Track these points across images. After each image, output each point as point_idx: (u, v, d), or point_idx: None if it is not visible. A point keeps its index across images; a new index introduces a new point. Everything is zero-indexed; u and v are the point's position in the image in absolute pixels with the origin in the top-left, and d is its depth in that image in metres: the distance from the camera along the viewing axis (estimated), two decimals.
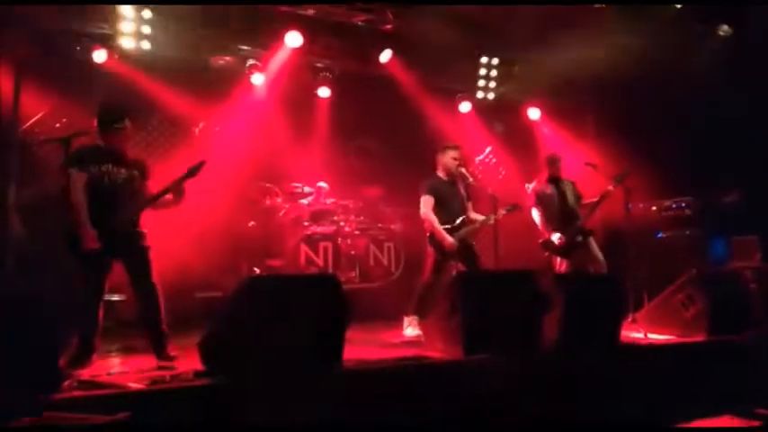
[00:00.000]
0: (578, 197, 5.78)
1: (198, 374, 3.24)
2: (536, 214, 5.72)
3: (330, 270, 6.56)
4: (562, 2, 6.18)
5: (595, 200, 5.52)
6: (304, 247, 6.62)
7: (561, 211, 5.63)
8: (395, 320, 5.33)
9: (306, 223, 6.80)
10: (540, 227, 5.70)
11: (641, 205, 6.61)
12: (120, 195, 3.87)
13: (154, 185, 4.05)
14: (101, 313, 3.78)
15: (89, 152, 3.89)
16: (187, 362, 3.66)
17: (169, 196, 3.93)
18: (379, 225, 7.23)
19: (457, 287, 3.91)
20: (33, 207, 5.31)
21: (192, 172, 3.87)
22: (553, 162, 5.81)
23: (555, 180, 5.79)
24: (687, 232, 6.49)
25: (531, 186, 5.83)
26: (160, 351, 3.80)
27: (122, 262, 3.88)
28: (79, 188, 3.75)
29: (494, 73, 7.58)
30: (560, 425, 3.61)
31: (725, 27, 6.23)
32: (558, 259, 5.59)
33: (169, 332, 3.90)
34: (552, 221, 5.62)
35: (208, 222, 6.14)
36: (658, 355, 4.30)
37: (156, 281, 3.88)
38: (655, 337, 4.66)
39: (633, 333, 4.76)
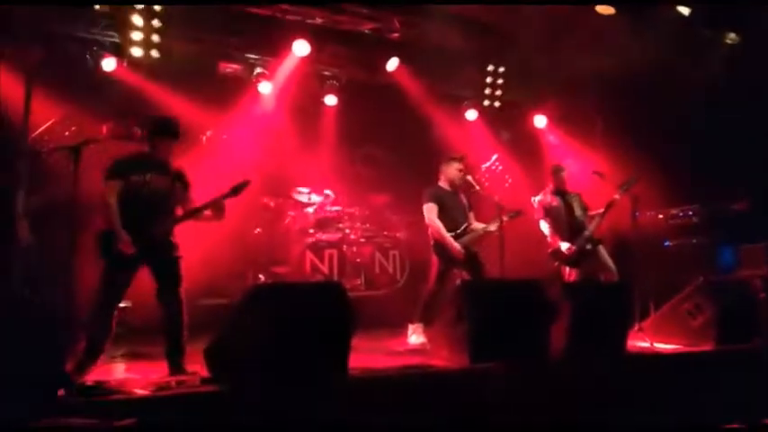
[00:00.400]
0: (585, 209, 5.75)
1: (204, 381, 3.26)
2: (544, 226, 5.70)
3: (335, 277, 6.57)
4: (567, 2, 6.18)
5: (602, 210, 5.50)
6: (309, 255, 6.64)
7: (569, 223, 5.62)
8: (400, 328, 5.32)
9: (311, 231, 6.82)
10: (549, 237, 5.68)
11: (648, 213, 6.57)
12: (160, 204, 3.91)
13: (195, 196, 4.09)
14: (114, 320, 3.79)
15: (131, 161, 3.97)
16: (193, 368, 3.65)
17: (209, 212, 3.99)
18: (385, 233, 7.24)
19: (462, 295, 3.91)
20: (42, 215, 5.36)
21: (236, 190, 3.92)
22: (557, 173, 5.80)
23: (561, 192, 5.78)
24: (694, 240, 6.45)
25: (537, 199, 5.81)
26: (176, 363, 3.75)
27: (152, 270, 3.89)
28: (113, 196, 3.81)
29: (500, 80, 7.59)
30: None
31: (732, 35, 6.21)
32: (568, 269, 5.57)
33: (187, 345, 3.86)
34: (560, 233, 5.61)
35: (213, 229, 6.15)
36: (665, 364, 4.28)
37: (183, 293, 3.89)
38: (661, 346, 4.63)
39: (639, 342, 4.73)
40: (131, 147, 4.52)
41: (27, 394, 2.71)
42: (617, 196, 5.36)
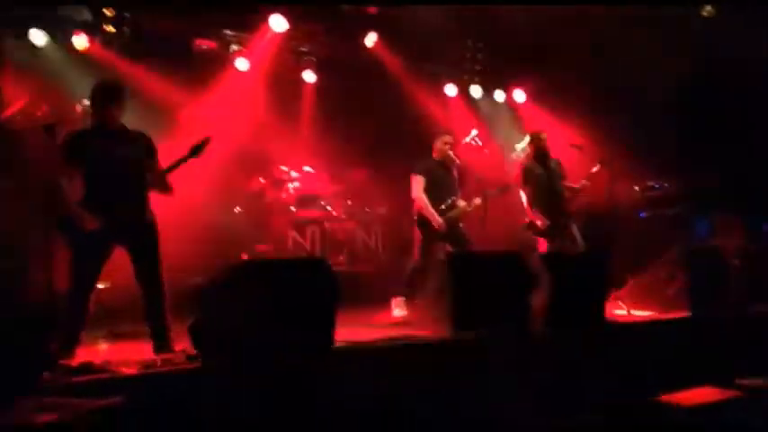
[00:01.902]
0: (562, 176, 5.76)
1: (190, 358, 3.26)
2: (522, 194, 5.69)
3: (318, 254, 6.58)
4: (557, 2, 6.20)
5: (576, 186, 5.55)
6: (291, 232, 6.64)
7: (549, 191, 5.60)
8: (383, 302, 5.36)
9: (293, 208, 6.81)
10: (525, 206, 5.68)
11: (624, 185, 6.66)
12: (123, 177, 3.70)
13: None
14: (89, 302, 3.69)
15: (84, 137, 3.75)
16: (178, 346, 3.64)
17: (152, 182, 3.80)
18: (366, 209, 7.26)
19: (446, 267, 3.95)
20: (15, 197, 5.25)
21: (196, 150, 3.73)
22: (538, 138, 5.75)
23: (543, 158, 5.73)
24: (670, 212, 6.58)
25: (517, 159, 5.79)
26: (162, 342, 3.69)
27: (127, 248, 3.75)
28: (68, 176, 3.65)
29: (480, 55, 7.58)
30: (546, 402, 3.68)
31: (708, 7, 6.24)
32: (540, 240, 5.63)
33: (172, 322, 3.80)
34: (539, 201, 5.60)
35: (194, 209, 6.11)
36: (641, 331, 4.40)
37: (162, 272, 3.78)
38: (638, 313, 4.75)
39: (616, 310, 4.85)
40: None
41: (11, 377, 2.69)
42: (585, 182, 5.44)
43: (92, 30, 6.05)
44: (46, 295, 3.42)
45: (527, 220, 5.63)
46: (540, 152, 5.74)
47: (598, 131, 6.74)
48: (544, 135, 5.81)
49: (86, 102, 5.33)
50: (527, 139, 5.91)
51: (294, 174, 7.00)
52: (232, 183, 6.67)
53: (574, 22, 6.41)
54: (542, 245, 5.57)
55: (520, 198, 5.73)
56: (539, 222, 5.55)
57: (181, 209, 5.69)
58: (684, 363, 4.08)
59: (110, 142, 3.73)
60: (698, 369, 4.06)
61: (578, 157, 5.83)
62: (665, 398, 3.61)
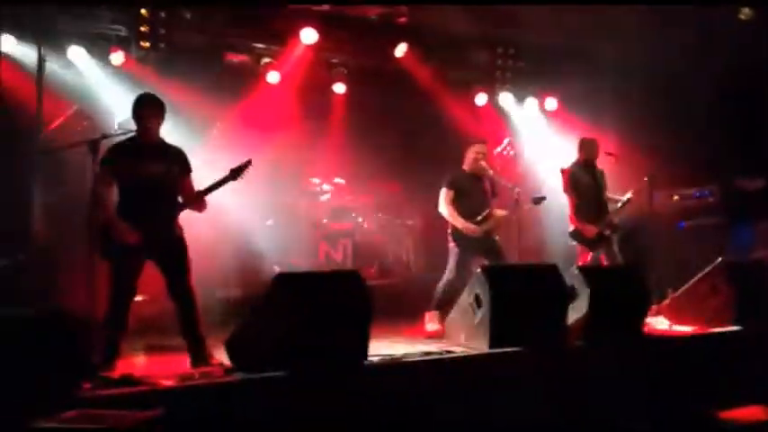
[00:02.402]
0: (605, 187, 5.62)
1: (227, 371, 3.27)
2: (567, 200, 5.55)
3: (349, 266, 6.57)
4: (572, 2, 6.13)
5: (622, 198, 5.43)
6: (323, 245, 6.64)
7: (596, 200, 5.48)
8: (415, 316, 5.32)
9: (324, 221, 6.82)
10: (570, 214, 5.53)
11: (663, 194, 6.52)
12: (156, 192, 3.77)
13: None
14: (128, 314, 3.77)
15: (121, 151, 3.82)
16: (214, 359, 3.69)
17: (186, 200, 3.88)
18: (398, 221, 7.23)
19: (482, 281, 3.89)
20: (56, 209, 5.38)
21: (236, 172, 3.81)
22: (589, 146, 5.61)
23: (590, 166, 5.59)
24: (710, 221, 6.41)
25: (564, 168, 5.62)
26: (198, 355, 3.73)
27: (158, 263, 3.81)
28: (103, 186, 3.73)
29: (510, 63, 7.52)
30: (586, 418, 3.59)
31: (746, 10, 6.09)
32: (581, 251, 5.52)
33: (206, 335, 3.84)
34: (585, 210, 5.46)
35: (226, 222, 6.17)
36: (684, 346, 4.27)
37: (193, 283, 3.83)
38: (680, 328, 4.63)
39: (657, 324, 4.72)
40: None
41: (53, 388, 2.72)
42: (631, 195, 5.32)
43: (127, 46, 6.19)
44: (87, 307, 3.49)
45: (571, 228, 5.51)
46: (588, 160, 5.60)
47: (633, 139, 6.61)
48: (595, 142, 5.67)
49: (123, 117, 5.50)
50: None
51: (326, 186, 7.02)
52: (264, 196, 6.71)
53: (606, 27, 6.32)
54: (582, 257, 5.47)
55: (564, 205, 5.59)
56: (587, 231, 5.43)
57: (213, 222, 5.78)
58: (729, 379, 3.94)
59: (145, 157, 3.80)
60: (743, 386, 3.92)
61: (612, 166, 5.71)
62: (721, 414, 3.50)
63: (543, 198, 5.24)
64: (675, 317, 4.74)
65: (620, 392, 3.75)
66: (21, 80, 5.62)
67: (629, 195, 5.42)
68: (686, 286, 4.84)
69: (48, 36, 5.78)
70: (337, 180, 7.05)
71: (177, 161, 3.93)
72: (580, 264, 5.41)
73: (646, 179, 5.29)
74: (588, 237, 5.43)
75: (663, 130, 6.60)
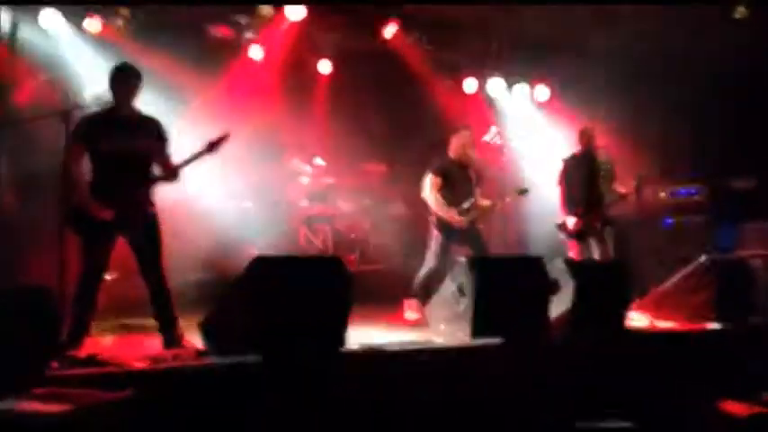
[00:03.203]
0: (610, 178, 5.52)
1: (200, 354, 3.19)
2: (558, 191, 5.50)
3: (329, 252, 6.47)
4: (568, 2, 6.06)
5: (624, 192, 5.40)
6: (303, 228, 6.53)
7: (587, 192, 5.41)
8: (395, 303, 5.27)
9: (304, 203, 6.69)
10: (560, 205, 5.50)
11: (650, 189, 6.51)
12: (130, 166, 3.64)
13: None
14: (98, 293, 3.65)
15: (96, 122, 3.69)
16: (187, 341, 3.60)
17: (161, 172, 3.75)
18: (380, 206, 7.14)
19: (467, 270, 3.83)
20: (24, 183, 5.19)
21: (213, 145, 3.69)
22: (586, 134, 5.53)
23: (589, 157, 5.53)
24: (696, 219, 6.44)
25: (564, 158, 5.57)
26: (170, 336, 3.64)
27: (129, 239, 3.69)
28: (74, 159, 3.59)
29: (502, 50, 7.42)
30: (566, 410, 3.57)
31: (741, 9, 6.08)
32: (571, 243, 5.48)
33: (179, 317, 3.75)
34: (576, 201, 5.42)
35: (201, 201, 6.02)
36: (665, 341, 4.28)
37: (165, 265, 3.72)
38: (661, 323, 4.64)
39: (639, 320, 4.72)
40: None
41: (19, 365, 2.62)
42: (624, 191, 5.30)
43: (105, 13, 5.94)
44: (56, 284, 3.36)
45: (560, 220, 5.48)
46: (586, 149, 5.52)
47: (625, 132, 6.58)
48: (592, 131, 5.58)
49: (98, 88, 5.29)
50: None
51: (306, 167, 6.87)
52: (243, 175, 6.55)
53: (601, 17, 6.26)
54: (572, 248, 5.43)
55: (549, 196, 5.56)
56: (571, 223, 5.38)
57: (189, 203, 5.63)
58: (709, 375, 3.95)
59: (120, 129, 3.67)
60: (722, 382, 3.94)
61: (607, 158, 5.67)
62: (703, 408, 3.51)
63: (527, 190, 5.18)
64: (657, 312, 4.76)
65: (600, 386, 3.73)
66: None
67: (628, 190, 5.38)
68: (669, 282, 4.86)
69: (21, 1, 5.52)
70: (318, 161, 6.88)
71: (154, 132, 3.79)
72: (570, 255, 5.40)
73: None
74: (572, 229, 5.40)
75: (655, 124, 6.60)
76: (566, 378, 3.68)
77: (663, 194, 6.66)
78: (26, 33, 5.64)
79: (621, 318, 4.25)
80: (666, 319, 4.68)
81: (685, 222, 6.54)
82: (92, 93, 4.85)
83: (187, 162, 3.73)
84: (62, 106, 3.63)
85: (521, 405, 3.50)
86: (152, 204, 3.78)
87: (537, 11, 6.33)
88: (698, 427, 3.51)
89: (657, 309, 4.77)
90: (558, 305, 4.02)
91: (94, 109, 3.80)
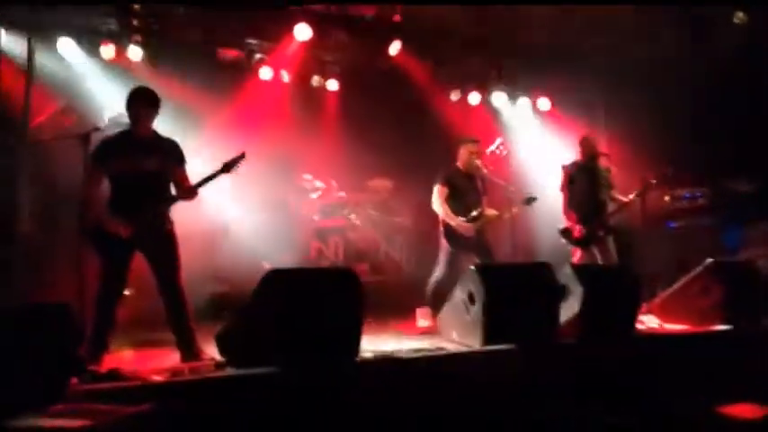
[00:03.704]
0: (610, 186, 5.58)
1: (218, 366, 3.24)
2: (562, 198, 5.54)
3: (341, 264, 6.55)
4: (568, 2, 6.15)
5: (624, 200, 5.42)
6: (314, 241, 6.62)
7: (590, 199, 5.45)
8: (406, 313, 5.33)
9: (316, 217, 6.79)
10: (562, 212, 5.55)
11: (654, 194, 6.54)
12: (148, 187, 3.74)
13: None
14: (117, 309, 3.74)
15: (114, 143, 3.79)
16: (205, 354, 3.68)
17: (178, 192, 3.85)
18: (390, 219, 7.22)
19: (476, 278, 3.89)
20: (45, 204, 5.31)
21: (229, 165, 3.77)
22: (587, 143, 5.57)
23: (590, 164, 5.56)
24: (701, 222, 6.44)
25: (564, 165, 5.61)
26: (188, 350, 3.71)
27: (147, 256, 3.78)
28: (93, 181, 3.70)
29: (504, 62, 7.52)
30: (578, 416, 3.59)
31: (740, 14, 6.13)
32: (574, 250, 5.53)
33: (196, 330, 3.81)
34: (578, 208, 5.46)
35: (216, 217, 6.13)
36: (675, 344, 4.29)
37: (182, 281, 3.80)
38: (671, 326, 4.65)
39: (648, 323, 4.74)
40: None
41: (40, 382, 2.68)
42: (632, 197, 5.32)
43: (119, 40, 6.13)
44: (76, 302, 3.44)
45: (563, 226, 5.51)
46: (588, 156, 5.56)
47: (626, 139, 6.64)
48: (593, 139, 5.63)
49: (115, 111, 5.45)
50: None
51: (318, 183, 6.99)
52: (255, 192, 6.67)
53: (601, 27, 6.34)
54: (576, 255, 5.47)
55: (556, 204, 5.59)
56: (575, 231, 5.43)
57: (204, 218, 5.74)
58: (719, 378, 3.96)
59: (138, 151, 3.76)
60: (733, 384, 3.94)
61: (606, 166, 5.72)
62: (713, 410, 3.51)
63: (534, 198, 5.23)
64: (666, 316, 4.77)
65: (611, 390, 3.75)
66: (9, 72, 5.55)
67: (631, 197, 5.38)
68: (676, 286, 4.86)
69: (38, 28, 5.71)
70: (330, 180, 7.03)
71: (171, 154, 3.89)
72: (574, 261, 5.43)
73: (654, 181, 5.25)
74: (575, 236, 5.44)
75: (655, 130, 6.62)
76: (576, 383, 3.71)
77: (667, 198, 6.69)
78: (44, 60, 5.81)
79: (631, 322, 4.27)
80: (675, 322, 4.69)
81: (690, 226, 6.55)
82: (110, 116, 5.00)
83: (204, 182, 3.82)
84: (81, 129, 3.72)
85: (532, 410, 3.53)
86: (170, 222, 3.87)
87: (535, 20, 6.41)
88: (708, 430, 3.52)
89: (666, 312, 4.78)
90: (567, 311, 4.06)
91: (112, 131, 3.92)
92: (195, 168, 4.05)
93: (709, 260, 4.71)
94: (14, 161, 5.36)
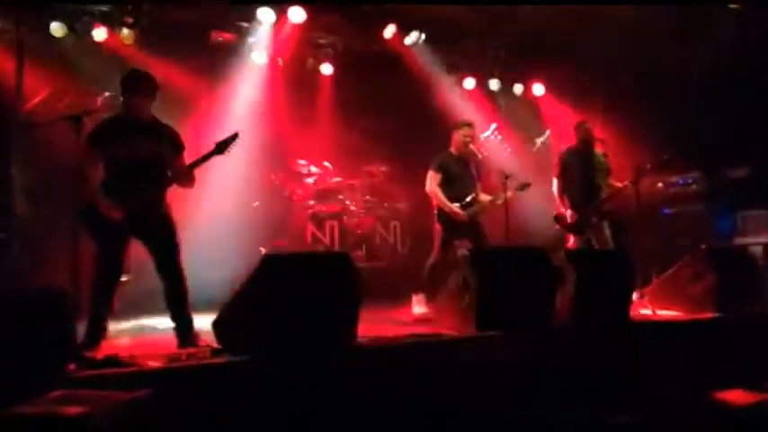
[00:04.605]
0: (607, 170, 5.56)
1: (214, 352, 3.25)
2: (555, 184, 5.54)
3: (336, 249, 6.56)
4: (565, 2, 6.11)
5: (619, 186, 5.41)
6: (310, 226, 6.62)
7: (583, 185, 5.44)
8: (402, 299, 5.35)
9: (311, 202, 6.78)
10: (556, 198, 5.55)
11: (647, 180, 6.56)
12: (144, 171, 3.69)
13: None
14: (113, 294, 3.72)
15: (111, 126, 3.75)
16: (201, 340, 3.66)
17: (174, 176, 3.81)
18: (385, 204, 7.23)
19: (469, 263, 3.90)
20: (38, 187, 5.28)
21: (222, 146, 3.70)
22: (582, 129, 5.53)
23: (585, 149, 5.53)
24: (694, 208, 6.47)
25: (560, 151, 5.61)
26: (185, 336, 3.69)
27: (145, 243, 3.75)
28: (89, 164, 3.66)
29: (499, 48, 7.49)
30: (573, 401, 3.64)
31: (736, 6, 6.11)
32: (568, 235, 5.55)
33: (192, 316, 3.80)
34: (572, 194, 5.46)
35: (211, 202, 6.10)
36: (668, 331, 4.33)
37: (181, 265, 3.77)
38: (663, 313, 4.69)
39: (642, 309, 4.78)
40: None
41: (37, 368, 2.69)
42: (628, 183, 5.31)
43: (111, 22, 6.05)
44: (71, 287, 3.43)
45: (557, 212, 5.52)
46: (583, 143, 5.53)
47: (620, 125, 6.64)
48: (588, 125, 5.59)
49: (107, 93, 5.40)
50: (547, 132, 5.78)
51: (312, 168, 6.97)
52: (250, 177, 6.64)
53: (596, 14, 6.31)
54: (571, 240, 5.49)
55: (552, 188, 5.59)
56: (567, 216, 5.44)
57: (199, 203, 5.71)
58: (711, 364, 4.01)
59: (133, 134, 3.72)
60: (725, 370, 3.99)
61: (602, 152, 5.73)
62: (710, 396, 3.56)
63: (528, 184, 5.24)
64: (658, 302, 4.81)
65: (603, 375, 3.79)
66: (1, 56, 5.48)
67: (626, 183, 5.35)
68: (669, 272, 4.90)
69: (29, 11, 5.62)
70: (325, 163, 7.01)
71: (168, 139, 3.85)
72: (568, 247, 5.45)
73: (649, 166, 5.26)
74: (569, 222, 5.45)
75: (649, 116, 6.63)
76: (570, 368, 3.75)
77: (660, 185, 6.71)
78: (35, 41, 5.73)
79: (624, 307, 4.31)
80: (668, 308, 4.73)
81: (683, 212, 6.57)
82: (103, 98, 4.96)
83: (197, 163, 3.77)
84: (73, 112, 3.67)
85: (526, 395, 3.57)
86: (165, 205, 3.84)
87: (531, 11, 6.38)
88: (699, 415, 3.56)
89: (658, 298, 4.81)
90: (561, 296, 4.08)
91: (107, 114, 3.88)
92: (187, 153, 4.01)
93: (702, 247, 4.74)
94: (9, 144, 5.31)
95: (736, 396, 3.55)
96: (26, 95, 5.48)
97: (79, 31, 6.01)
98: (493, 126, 5.86)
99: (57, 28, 5.89)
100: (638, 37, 6.40)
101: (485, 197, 5.31)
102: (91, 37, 6.03)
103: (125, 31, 6.10)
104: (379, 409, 3.20)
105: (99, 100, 5.43)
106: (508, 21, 6.85)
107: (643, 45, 6.49)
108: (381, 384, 3.26)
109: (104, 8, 6.04)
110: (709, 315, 4.46)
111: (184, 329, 3.73)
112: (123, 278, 4.88)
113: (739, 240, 5.86)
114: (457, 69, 7.68)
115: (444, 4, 6.32)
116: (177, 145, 3.89)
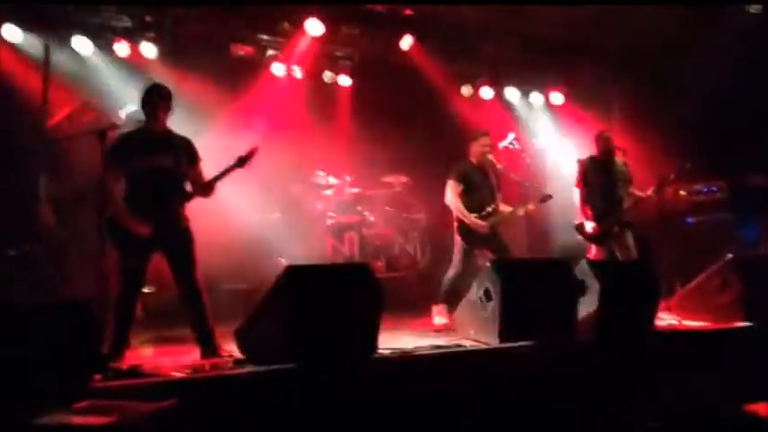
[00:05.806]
0: (628, 181, 5.51)
1: (237, 363, 3.27)
2: (576, 194, 5.49)
3: (356, 260, 6.55)
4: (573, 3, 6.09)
5: (642, 195, 5.34)
6: (329, 238, 6.63)
7: (605, 195, 5.39)
8: (422, 309, 5.32)
9: (330, 214, 6.80)
10: (578, 208, 5.49)
11: (670, 189, 6.48)
12: (164, 185, 3.76)
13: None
14: (137, 306, 3.78)
15: (129, 142, 3.82)
16: (224, 351, 3.70)
17: (195, 189, 3.87)
18: (404, 215, 7.22)
19: (492, 274, 3.88)
20: (65, 200, 5.37)
21: (243, 160, 3.77)
22: (603, 139, 5.48)
23: (606, 159, 5.48)
24: (718, 217, 6.37)
25: (580, 160, 5.57)
26: (208, 346, 3.72)
27: (165, 254, 3.81)
28: (111, 177, 3.71)
29: (517, 57, 7.47)
30: (596, 412, 3.58)
31: (756, 5, 6.03)
32: (590, 246, 5.49)
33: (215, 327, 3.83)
34: (594, 204, 5.41)
35: (232, 214, 6.15)
36: (695, 341, 4.26)
37: (200, 277, 3.81)
38: (690, 323, 4.61)
39: (667, 320, 4.71)
40: None
41: (63, 378, 2.71)
42: (650, 193, 5.24)
43: (132, 37, 6.16)
44: (97, 298, 3.48)
45: (578, 222, 5.47)
46: (603, 152, 5.47)
47: (641, 134, 6.57)
48: (608, 134, 5.54)
49: (130, 107, 5.49)
50: (511, 136, 5.75)
51: (331, 179, 6.99)
52: (270, 188, 6.68)
53: (613, 22, 6.28)
54: (593, 251, 5.43)
55: (573, 198, 5.53)
56: (589, 227, 5.38)
57: (220, 214, 5.75)
58: (740, 374, 3.93)
59: (153, 148, 3.78)
60: (755, 381, 3.90)
61: (622, 161, 5.68)
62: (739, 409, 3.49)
63: (550, 197, 5.19)
64: (684, 312, 4.73)
65: (630, 387, 3.74)
66: (27, 70, 5.61)
67: (648, 193, 5.29)
68: (695, 282, 4.82)
69: (53, 27, 5.75)
70: (345, 175, 7.03)
71: (185, 151, 3.91)
72: (590, 257, 5.39)
73: (672, 176, 5.20)
74: (590, 232, 5.39)
75: (671, 125, 6.55)
76: (594, 379, 3.70)
77: (683, 193, 6.61)
78: (60, 57, 5.85)
79: (649, 318, 4.25)
80: (694, 318, 4.66)
81: (708, 221, 6.48)
82: (126, 113, 5.04)
83: (218, 177, 3.83)
84: (98, 126, 3.74)
85: (549, 407, 3.52)
86: (186, 219, 3.89)
87: (548, 17, 6.36)
88: (726, 427, 3.49)
89: (684, 308, 4.73)
90: (585, 307, 4.04)
91: (129, 128, 3.94)
92: (208, 165, 4.06)
93: (729, 255, 4.66)
94: (35, 159, 5.41)
95: (764, 408, 3.47)
96: (52, 111, 5.58)
97: (102, 46, 6.13)
98: (511, 135, 5.83)
99: (80, 43, 6.00)
100: (656, 44, 6.34)
101: (505, 208, 5.28)
102: (113, 52, 6.13)
103: (147, 45, 6.20)
104: (400, 420, 3.17)
105: (123, 114, 5.52)
106: (523, 28, 6.83)
107: (663, 53, 6.43)
108: (402, 396, 3.24)
109: (127, 24, 6.15)
110: (738, 324, 4.38)
111: (207, 340, 3.76)
112: (146, 289, 4.94)
113: (765, 248, 5.75)
114: (475, 78, 7.67)
115: (460, 4, 6.30)
116: (193, 156, 3.94)
